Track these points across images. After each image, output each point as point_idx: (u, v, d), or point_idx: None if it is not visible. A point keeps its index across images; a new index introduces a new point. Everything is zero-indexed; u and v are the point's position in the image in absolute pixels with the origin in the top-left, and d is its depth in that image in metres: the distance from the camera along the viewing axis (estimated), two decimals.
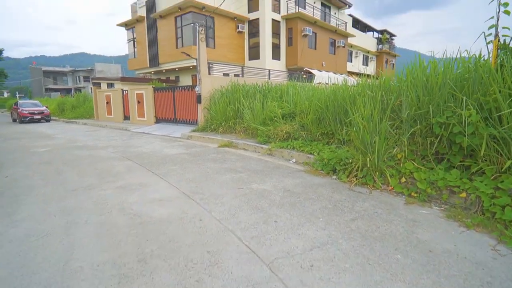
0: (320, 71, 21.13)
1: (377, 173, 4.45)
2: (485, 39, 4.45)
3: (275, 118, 8.29)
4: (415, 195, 3.95)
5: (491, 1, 4.19)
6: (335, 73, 22.77)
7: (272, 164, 5.90)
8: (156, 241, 2.73)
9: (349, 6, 26.82)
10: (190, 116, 12.02)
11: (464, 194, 3.55)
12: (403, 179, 4.27)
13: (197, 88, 11.04)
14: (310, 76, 18.54)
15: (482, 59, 4.50)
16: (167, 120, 13.22)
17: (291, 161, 6.23)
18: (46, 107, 20.35)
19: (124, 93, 15.64)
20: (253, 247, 2.60)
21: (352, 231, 2.91)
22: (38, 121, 18.99)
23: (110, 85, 18.84)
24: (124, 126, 13.69)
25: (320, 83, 14.80)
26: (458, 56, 4.85)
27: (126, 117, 15.75)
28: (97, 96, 17.83)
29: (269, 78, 15.26)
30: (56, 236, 2.87)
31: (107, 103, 16.93)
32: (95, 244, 2.69)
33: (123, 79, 17.86)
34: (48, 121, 19.47)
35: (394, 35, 37.86)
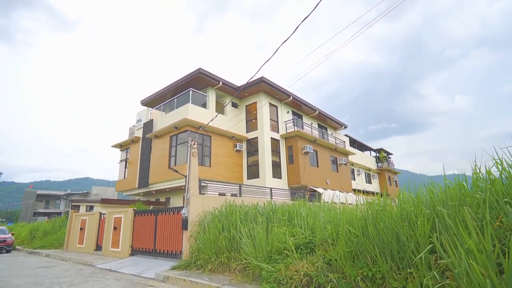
0: (325, 189, 19.46)
1: None
2: None
3: (286, 251, 5.84)
4: None
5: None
6: (341, 192, 21.06)
7: None
8: None
9: (345, 127, 27.59)
10: (173, 246, 9.42)
11: None
12: None
13: (183, 211, 8.89)
14: (314, 194, 16.72)
15: None
16: (145, 252, 10.48)
17: None
18: (12, 234, 17.57)
19: (102, 217, 13.33)
20: None
21: None
22: None
23: (90, 208, 16.67)
24: (90, 260, 10.80)
25: (327, 202, 12.80)
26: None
27: (99, 247, 12.90)
28: (73, 220, 15.38)
29: (271, 198, 13.33)
30: None
31: (80, 229, 14.35)
32: None
33: (103, 201, 15.78)
34: (8, 251, 16.41)
35: (391, 153, 38.35)
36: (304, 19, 6.61)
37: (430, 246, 3.49)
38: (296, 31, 6.49)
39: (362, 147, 34.01)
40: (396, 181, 35.51)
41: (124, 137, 21.77)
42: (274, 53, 7.05)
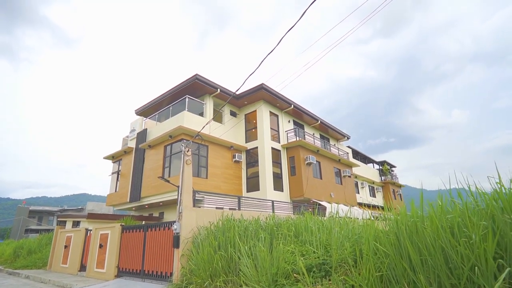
0: (329, 203, 18.34)
1: None
2: None
3: (295, 274, 4.79)
4: None
5: None
6: (346, 205, 19.92)
7: None
8: None
9: (348, 138, 26.72)
10: (163, 267, 8.28)
11: None
12: None
13: (174, 226, 7.82)
14: (319, 208, 15.61)
15: None
16: (132, 273, 9.32)
17: None
18: None
19: (88, 234, 12.18)
20: None
21: None
22: None
23: (76, 224, 15.47)
24: (71, 283, 9.61)
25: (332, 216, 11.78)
26: None
27: (83, 267, 11.69)
28: (58, 237, 14.17)
29: (273, 211, 12.25)
30: None
31: (65, 247, 13.15)
32: None
33: (90, 216, 14.58)
34: None
35: (394, 166, 37.33)
36: (311, 4, 5.84)
37: (507, 270, 2.49)
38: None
39: (365, 160, 33.03)
40: (400, 194, 34.34)
41: (118, 148, 20.79)
42: (278, 43, 6.22)
